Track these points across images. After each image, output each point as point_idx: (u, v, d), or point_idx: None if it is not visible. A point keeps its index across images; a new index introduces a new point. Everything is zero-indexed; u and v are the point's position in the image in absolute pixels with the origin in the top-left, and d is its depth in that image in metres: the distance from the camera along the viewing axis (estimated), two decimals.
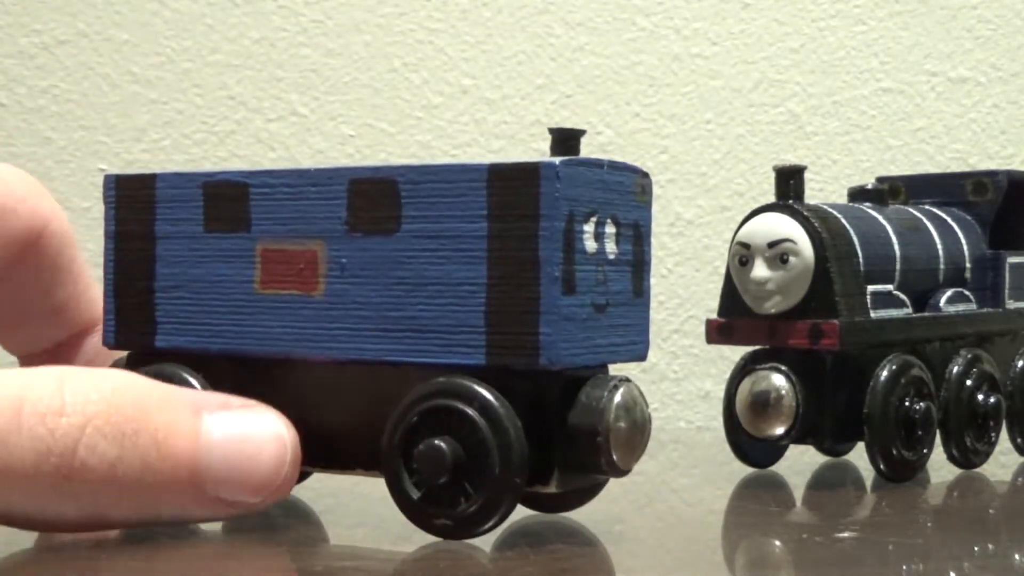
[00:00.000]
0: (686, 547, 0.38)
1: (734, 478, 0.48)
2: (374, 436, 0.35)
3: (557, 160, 0.34)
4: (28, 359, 0.45)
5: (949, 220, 0.52)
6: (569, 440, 0.34)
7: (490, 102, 0.72)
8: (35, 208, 0.42)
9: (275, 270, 0.37)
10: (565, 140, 0.36)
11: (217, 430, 0.34)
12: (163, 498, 0.33)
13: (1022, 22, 0.78)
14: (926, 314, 0.49)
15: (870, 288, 0.47)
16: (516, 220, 0.34)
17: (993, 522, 0.43)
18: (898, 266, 0.48)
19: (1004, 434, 0.51)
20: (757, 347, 0.47)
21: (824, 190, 0.74)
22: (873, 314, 0.46)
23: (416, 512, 0.34)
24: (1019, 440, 0.53)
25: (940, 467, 0.49)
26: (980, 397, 0.49)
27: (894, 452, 0.46)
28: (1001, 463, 0.51)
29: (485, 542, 0.35)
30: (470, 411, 0.33)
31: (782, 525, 0.41)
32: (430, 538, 0.35)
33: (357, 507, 0.41)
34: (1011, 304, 0.52)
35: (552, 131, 0.36)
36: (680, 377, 0.73)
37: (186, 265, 0.39)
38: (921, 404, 0.46)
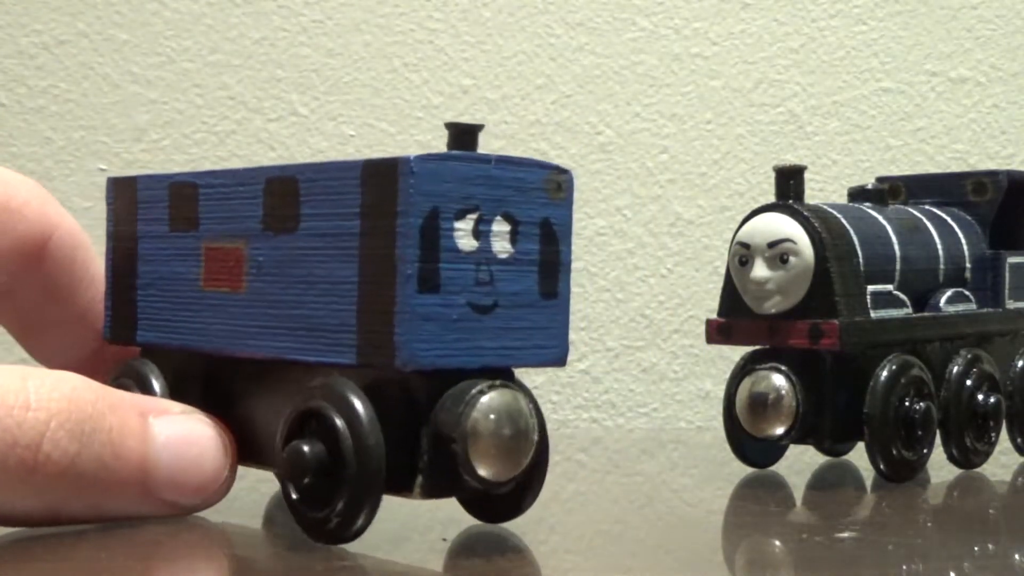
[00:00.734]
0: (686, 547, 0.38)
1: (734, 478, 0.48)
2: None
3: (413, 155, 0.33)
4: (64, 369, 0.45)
5: (949, 220, 0.52)
6: (430, 446, 0.33)
7: (490, 102, 0.72)
8: (42, 211, 0.42)
9: (214, 268, 0.38)
10: (459, 135, 0.35)
11: (162, 433, 0.36)
12: (114, 495, 0.35)
13: (1022, 22, 0.78)
14: (926, 314, 0.49)
15: (870, 288, 0.47)
16: (379, 217, 0.33)
17: (993, 522, 0.43)
18: (898, 266, 0.48)
19: (1004, 434, 0.51)
20: (757, 347, 0.47)
21: (824, 190, 0.74)
22: (873, 314, 0.46)
23: (295, 512, 0.34)
24: (1019, 440, 0.53)
25: (940, 467, 0.49)
26: (980, 397, 0.49)
27: (894, 452, 0.46)
28: (1001, 463, 0.51)
29: (481, 540, 0.34)
30: (332, 414, 0.33)
31: (782, 525, 0.41)
32: (429, 538, 0.35)
33: None
34: (1011, 304, 0.52)
35: (448, 126, 0.35)
36: (680, 377, 0.73)
37: (156, 263, 0.40)
38: (921, 404, 0.46)
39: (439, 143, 0.72)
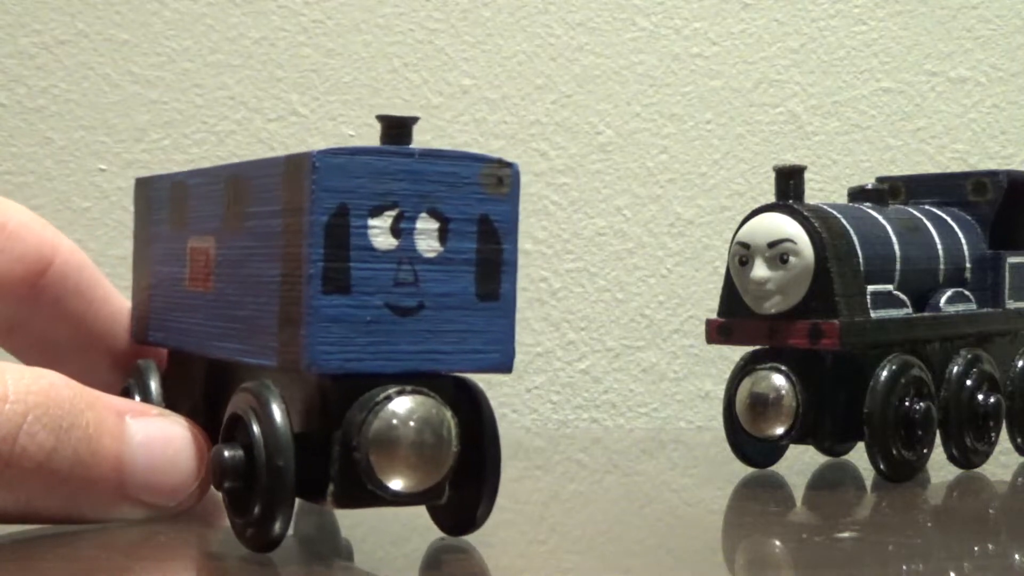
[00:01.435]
0: (686, 547, 0.38)
1: (734, 478, 0.48)
2: None
3: (316, 150, 0.31)
4: None
5: (949, 220, 0.52)
6: (339, 455, 0.31)
7: (490, 102, 0.72)
8: (40, 235, 0.41)
9: (195, 268, 0.38)
10: (390, 128, 0.33)
11: (139, 433, 0.35)
12: (89, 493, 0.34)
13: (1022, 22, 0.78)
14: (926, 314, 0.49)
15: (870, 288, 0.47)
16: (293, 215, 0.32)
17: (993, 522, 0.43)
18: (898, 266, 0.48)
19: (1004, 434, 0.51)
20: (757, 347, 0.47)
21: (824, 190, 0.74)
22: (873, 314, 0.46)
23: (228, 516, 0.33)
24: (1019, 440, 0.53)
25: (940, 467, 0.49)
26: (980, 397, 0.49)
27: (894, 452, 0.46)
28: (1001, 463, 0.51)
29: (481, 540, 0.34)
30: (251, 419, 0.32)
31: (782, 525, 0.41)
32: (429, 539, 0.35)
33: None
34: (1011, 304, 0.52)
35: (379, 118, 0.33)
36: (680, 377, 0.73)
37: (160, 263, 0.40)
38: (921, 404, 0.46)
39: (439, 143, 0.72)
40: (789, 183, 0.47)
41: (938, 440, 0.48)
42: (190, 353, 0.39)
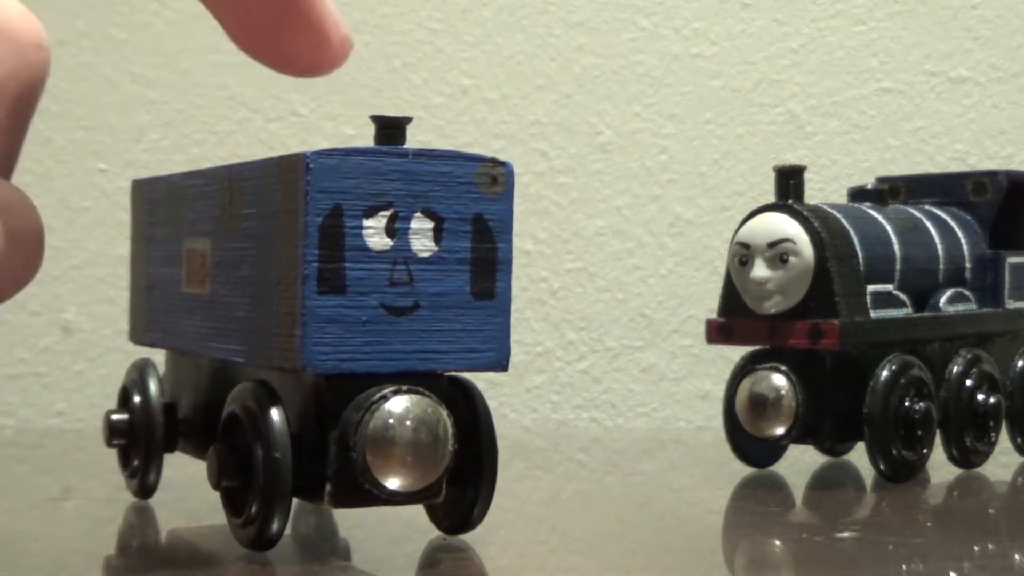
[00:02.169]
0: (686, 547, 0.38)
1: (734, 478, 0.48)
2: None
3: (309, 151, 0.31)
4: None
5: (949, 220, 0.52)
6: (336, 455, 0.31)
7: (490, 102, 0.72)
8: (48, 59, 0.37)
9: (190, 270, 0.37)
10: (383, 129, 0.33)
11: None
12: None
13: (1022, 22, 0.78)
14: (926, 314, 0.49)
15: (870, 288, 0.47)
16: (287, 216, 0.32)
17: (993, 522, 0.43)
18: (898, 266, 0.48)
19: (1004, 434, 0.51)
20: (757, 347, 0.47)
21: (824, 190, 0.74)
22: (873, 314, 0.46)
23: (226, 515, 0.33)
24: (1019, 440, 0.53)
25: (940, 467, 0.49)
26: (980, 397, 0.49)
27: (894, 452, 0.46)
28: (1001, 463, 0.51)
29: (480, 540, 0.34)
30: (245, 418, 0.32)
31: (782, 525, 0.41)
32: (427, 538, 0.35)
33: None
34: (1011, 304, 0.52)
35: (373, 119, 0.34)
36: (680, 377, 0.73)
37: (158, 265, 0.40)
38: (921, 404, 0.46)
39: (439, 143, 0.72)
40: (789, 183, 0.47)
41: (938, 440, 0.48)
42: (187, 354, 0.39)
